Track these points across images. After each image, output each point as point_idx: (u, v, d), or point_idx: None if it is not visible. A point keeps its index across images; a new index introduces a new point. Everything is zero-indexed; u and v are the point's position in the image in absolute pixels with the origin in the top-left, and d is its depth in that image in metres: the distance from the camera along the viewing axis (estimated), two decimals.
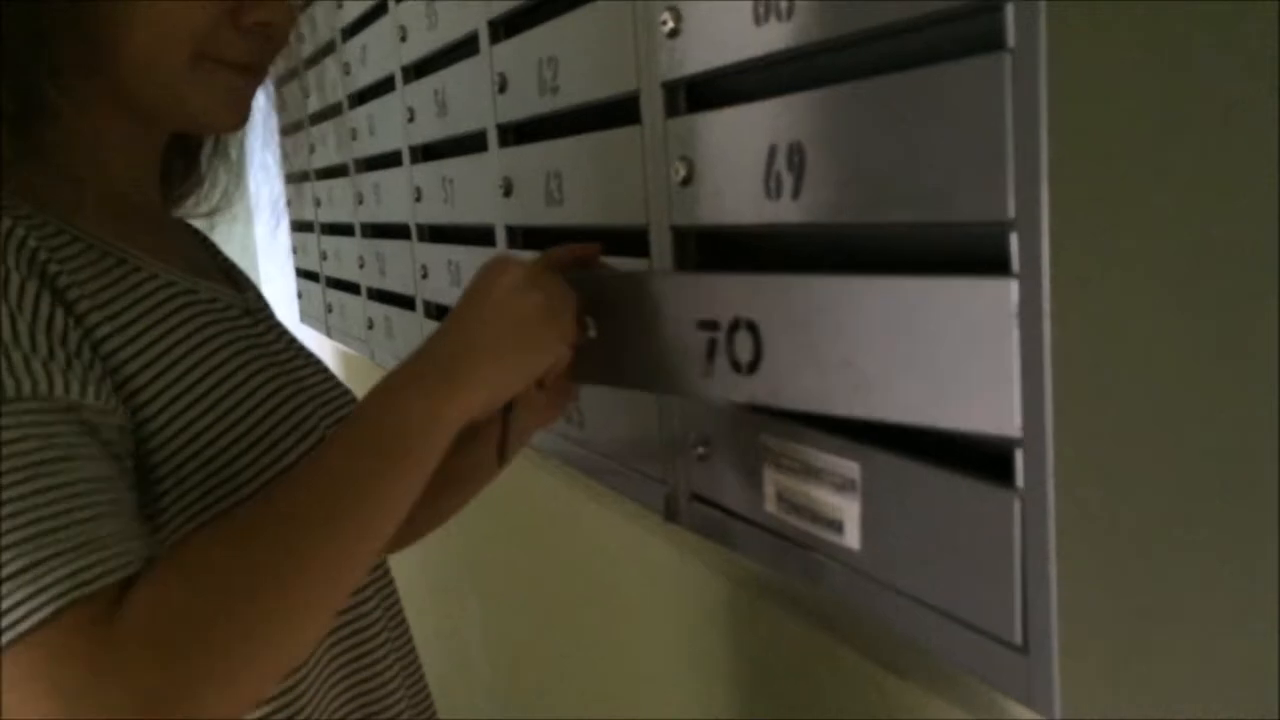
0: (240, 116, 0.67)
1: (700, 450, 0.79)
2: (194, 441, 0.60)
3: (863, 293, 0.59)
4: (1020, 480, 0.52)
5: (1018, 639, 0.53)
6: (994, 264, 0.52)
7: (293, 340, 0.76)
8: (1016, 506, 0.52)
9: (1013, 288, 0.51)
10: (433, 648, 1.73)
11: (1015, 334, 0.51)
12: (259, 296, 0.77)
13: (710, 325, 0.67)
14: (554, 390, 0.78)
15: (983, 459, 0.55)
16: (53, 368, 0.52)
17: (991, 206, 0.51)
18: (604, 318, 0.74)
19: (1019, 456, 0.52)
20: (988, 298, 0.52)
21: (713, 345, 0.67)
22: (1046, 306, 0.49)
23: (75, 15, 0.59)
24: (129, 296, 0.61)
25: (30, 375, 0.51)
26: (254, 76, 0.66)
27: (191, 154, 0.80)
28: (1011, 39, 0.49)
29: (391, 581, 0.79)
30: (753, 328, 0.65)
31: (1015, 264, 0.51)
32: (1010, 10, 0.49)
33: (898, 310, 0.57)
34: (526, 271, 0.67)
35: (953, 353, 0.54)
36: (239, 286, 0.75)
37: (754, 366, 0.65)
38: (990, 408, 0.52)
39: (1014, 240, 0.50)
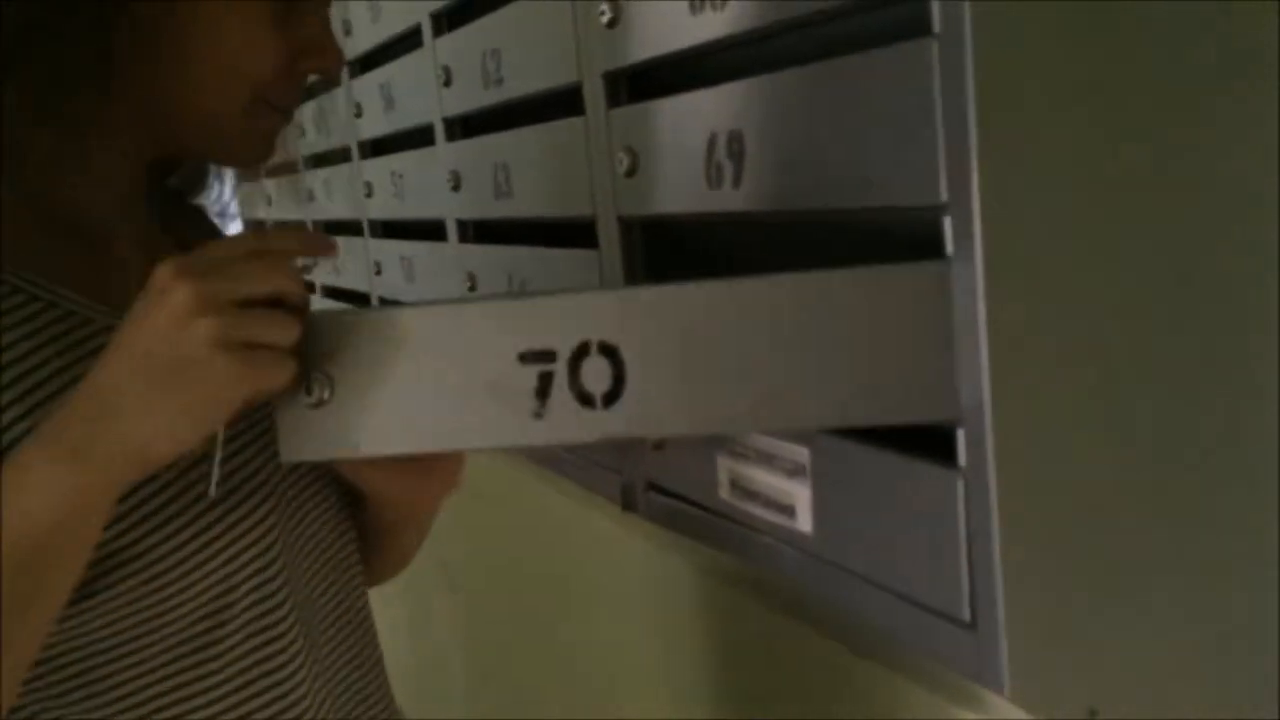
0: (268, 155, 0.67)
1: (654, 440, 0.79)
2: None
3: (774, 294, 0.54)
4: (962, 459, 0.53)
5: (966, 616, 0.54)
6: (931, 249, 0.52)
7: None
8: (960, 485, 0.53)
9: (947, 269, 0.51)
10: (403, 643, 1.73)
11: (950, 316, 0.51)
12: None
13: (541, 356, 0.57)
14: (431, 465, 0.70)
15: (928, 439, 0.56)
16: None
17: (925, 191, 0.52)
18: (373, 367, 0.58)
19: (960, 436, 0.53)
20: (921, 282, 0.52)
21: (546, 380, 0.57)
22: (980, 286, 0.50)
23: (142, 43, 0.58)
24: (36, 354, 0.58)
25: None
26: (289, 119, 0.67)
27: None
28: (937, 24, 0.50)
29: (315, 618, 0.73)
30: (610, 351, 0.56)
31: (949, 247, 0.51)
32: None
33: (817, 307, 0.54)
34: (195, 291, 0.51)
35: (884, 343, 0.53)
36: None
37: (613, 397, 0.56)
38: (931, 395, 0.53)
39: (948, 224, 0.51)
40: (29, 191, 0.60)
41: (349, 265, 1.59)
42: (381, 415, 0.58)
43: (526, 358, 0.56)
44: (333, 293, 1.71)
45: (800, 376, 0.54)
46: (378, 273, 1.44)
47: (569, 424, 0.57)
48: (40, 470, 0.52)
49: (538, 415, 0.57)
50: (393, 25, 1.22)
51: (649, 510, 0.84)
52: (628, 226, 0.80)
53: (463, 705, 1.67)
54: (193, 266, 0.52)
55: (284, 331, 0.54)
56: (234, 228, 2.44)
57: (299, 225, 1.86)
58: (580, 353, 0.56)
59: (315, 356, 0.57)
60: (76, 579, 0.55)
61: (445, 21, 1.09)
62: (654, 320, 0.55)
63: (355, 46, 1.37)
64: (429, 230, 1.24)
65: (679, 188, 0.72)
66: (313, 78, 0.66)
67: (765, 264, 0.70)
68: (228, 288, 0.52)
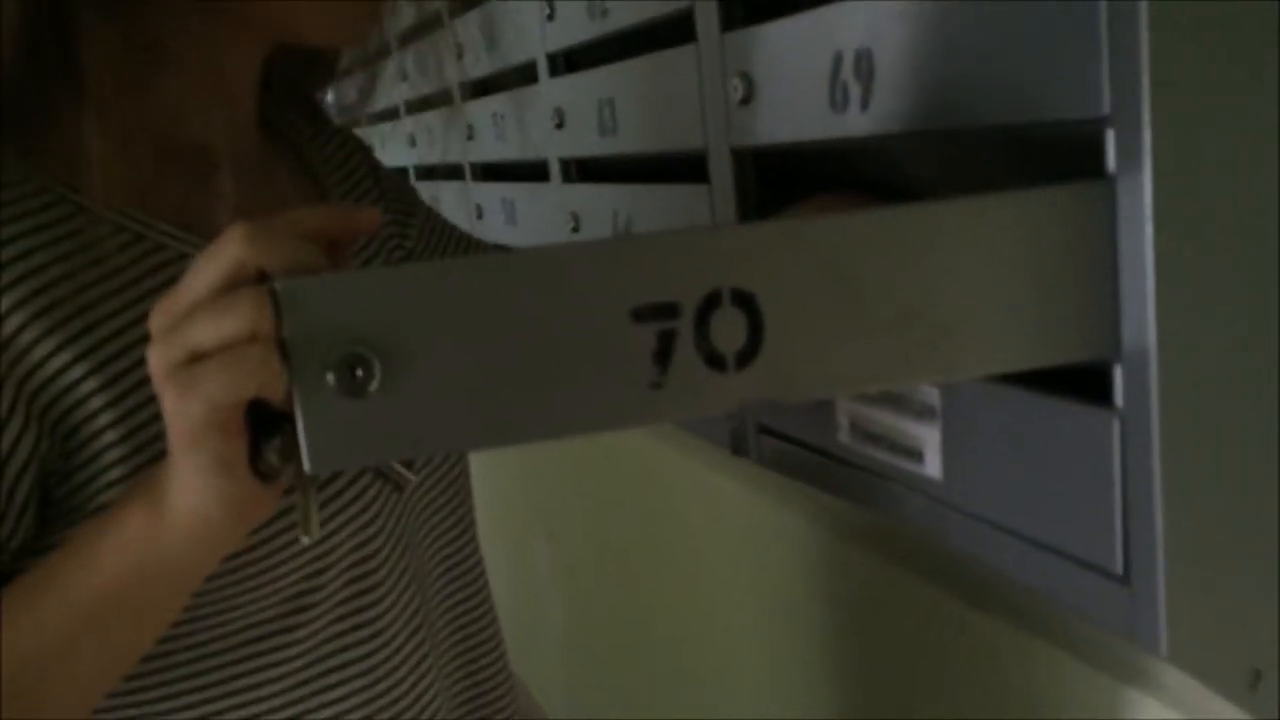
0: (364, 23, 0.60)
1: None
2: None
3: (927, 223, 0.47)
4: (1120, 399, 0.48)
5: (1118, 569, 0.50)
6: (1087, 168, 0.48)
7: None
8: (1115, 428, 0.49)
9: (1110, 190, 0.47)
10: (500, 589, 1.74)
11: (1116, 242, 0.47)
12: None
13: (660, 312, 0.45)
14: None
15: (1073, 376, 0.51)
16: None
17: (1084, 103, 0.47)
18: (433, 338, 0.44)
19: (1118, 374, 0.48)
20: (1081, 205, 0.48)
21: (667, 340, 0.46)
22: (1148, 210, 0.45)
23: None
24: (120, 295, 0.54)
25: None
26: None
27: (320, 59, 0.74)
28: None
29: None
30: (745, 300, 0.46)
31: (1111, 164, 0.47)
32: None
33: (975, 237, 0.48)
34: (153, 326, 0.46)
35: (1044, 275, 0.48)
36: None
37: (748, 356, 0.46)
38: (1091, 331, 0.48)
39: (1110, 138, 0.46)
40: (124, 119, 0.57)
41: (450, 210, 1.58)
42: (447, 401, 0.45)
43: (642, 314, 0.45)
44: None
45: (959, 318, 0.47)
46: (479, 216, 1.43)
47: (696, 393, 0.46)
48: (121, 513, 0.50)
49: (656, 385, 0.46)
50: None
51: (760, 455, 0.81)
52: (741, 158, 0.76)
53: (560, 654, 1.67)
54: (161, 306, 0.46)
55: (224, 323, 0.43)
56: None
57: (401, 171, 1.86)
58: (709, 304, 0.45)
59: (353, 330, 0.43)
60: (166, 620, 0.53)
61: None
62: (796, 259, 0.46)
63: None
64: (532, 171, 1.21)
65: (799, 113, 0.67)
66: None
67: (892, 194, 0.66)
68: (179, 324, 0.45)
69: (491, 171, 1.40)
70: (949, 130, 0.55)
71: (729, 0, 0.74)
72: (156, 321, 0.45)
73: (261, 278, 0.44)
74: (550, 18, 1.05)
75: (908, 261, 0.47)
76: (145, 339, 0.47)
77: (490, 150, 1.34)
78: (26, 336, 0.51)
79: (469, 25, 1.32)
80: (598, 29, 0.95)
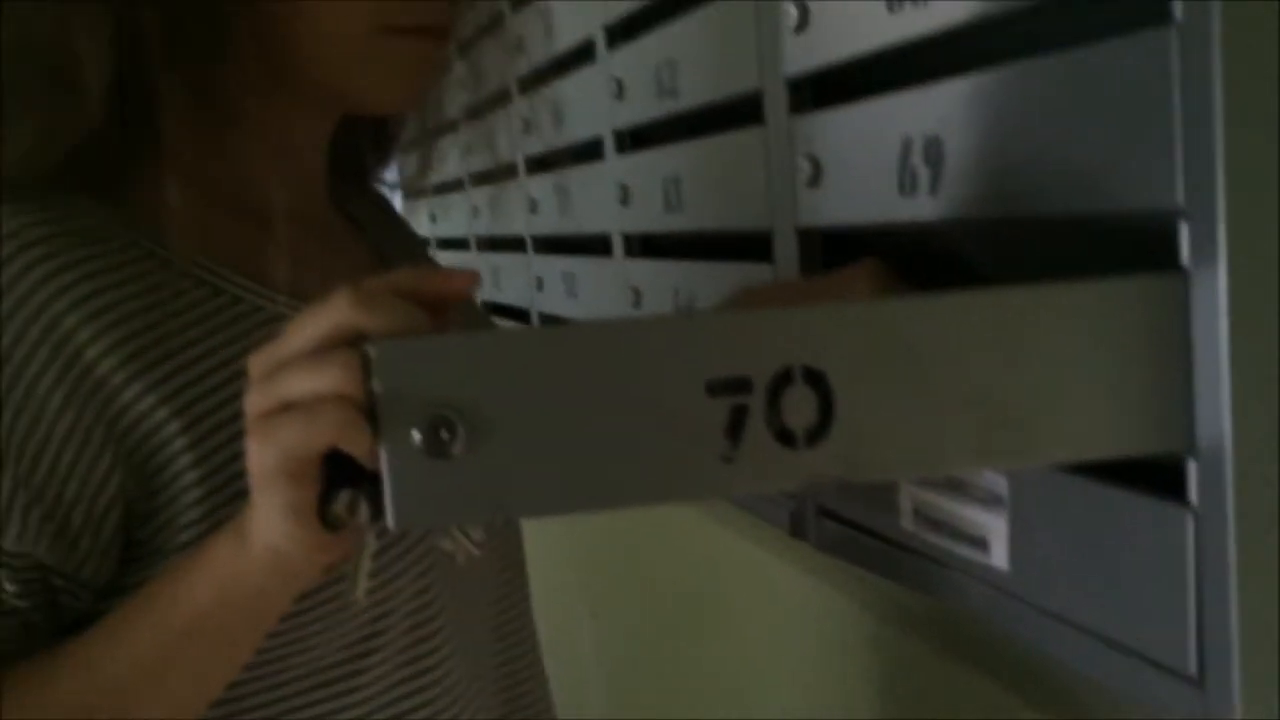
0: (413, 90, 0.63)
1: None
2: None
3: (1001, 307, 0.48)
4: (1194, 495, 0.47)
5: (1192, 670, 0.48)
6: (1159, 259, 0.47)
7: None
8: (1190, 524, 0.48)
9: (1185, 282, 0.46)
10: (544, 657, 1.72)
11: (1190, 335, 0.46)
12: None
13: (733, 386, 0.46)
14: None
15: (1144, 470, 0.51)
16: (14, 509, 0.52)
17: (1157, 194, 0.47)
18: (517, 403, 0.45)
19: (1192, 468, 0.47)
20: (1155, 297, 0.47)
21: (739, 415, 0.46)
22: (1223, 304, 0.45)
23: None
24: (187, 336, 0.56)
25: None
26: (436, 40, 0.61)
27: (383, 132, 0.77)
28: (1179, 12, 0.45)
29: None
30: (815, 377, 0.46)
31: (1186, 257, 0.46)
32: None
33: (1049, 324, 0.48)
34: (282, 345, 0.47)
35: (1117, 365, 0.48)
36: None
37: (818, 433, 0.46)
38: (1164, 424, 0.47)
39: (1185, 231, 0.46)
40: (201, 178, 0.59)
41: (510, 281, 1.60)
42: (527, 466, 0.45)
43: (716, 388, 0.46)
44: (493, 309, 1.73)
45: (1031, 404, 0.47)
46: (539, 288, 1.45)
47: (765, 468, 0.46)
48: (212, 545, 0.52)
49: (727, 459, 0.46)
50: (565, 39, 1.22)
51: (820, 538, 0.80)
52: (807, 238, 0.77)
53: None
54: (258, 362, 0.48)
55: (313, 380, 0.45)
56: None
57: (461, 242, 1.89)
58: (781, 381, 0.46)
59: (439, 393, 0.44)
60: (246, 652, 0.55)
61: (620, 33, 1.08)
62: (867, 339, 0.47)
63: (527, 63, 1.38)
64: (593, 245, 1.23)
65: (866, 196, 0.68)
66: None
67: (956, 278, 0.66)
68: (279, 384, 0.47)
69: (553, 244, 1.42)
70: (1018, 217, 0.56)
71: (798, 84, 0.75)
72: (255, 369, 0.48)
73: (359, 339, 0.46)
74: (619, 96, 1.07)
75: (980, 346, 0.47)
76: (225, 385, 0.51)
77: (552, 223, 1.36)
78: (117, 379, 0.54)
79: (536, 102, 1.35)
80: (666, 108, 0.97)
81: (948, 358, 0.47)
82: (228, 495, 0.56)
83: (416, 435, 0.44)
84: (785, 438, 0.46)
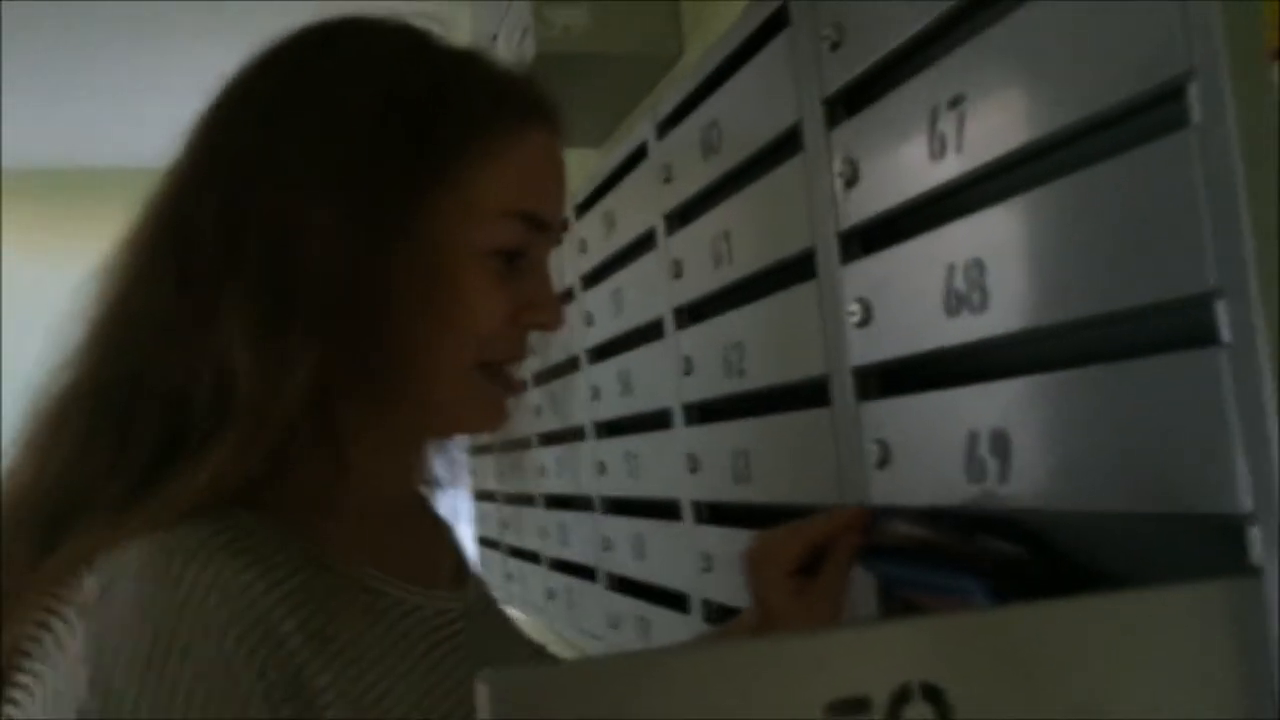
0: (501, 421, 0.68)
1: None
2: None
3: (1097, 614, 0.50)
4: None
5: None
6: (1225, 550, 0.50)
7: (508, 631, 0.77)
8: None
9: (1258, 583, 0.49)
10: None
11: (1265, 632, 0.48)
12: (479, 585, 0.77)
13: (854, 707, 0.46)
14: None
15: None
16: None
17: (1226, 499, 0.50)
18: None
19: None
20: (1230, 598, 0.49)
21: None
22: None
23: (376, 330, 0.60)
24: (354, 627, 0.59)
25: None
26: (516, 389, 0.68)
27: None
28: (1227, 334, 0.49)
29: None
30: (934, 694, 0.47)
31: (1257, 557, 0.49)
32: (1222, 306, 0.50)
33: (1139, 630, 0.49)
34: None
35: (1202, 665, 0.49)
36: (462, 579, 0.74)
37: None
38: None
39: (1255, 536, 0.49)
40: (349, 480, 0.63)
41: (577, 539, 1.63)
42: None
43: (836, 709, 0.46)
44: (559, 565, 1.75)
45: (1124, 711, 0.49)
46: (606, 549, 1.47)
47: None
48: None
49: None
50: (635, 318, 1.30)
51: None
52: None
53: None
54: None
55: None
56: (463, 494, 2.55)
57: (527, 499, 1.93)
58: (900, 698, 0.46)
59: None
60: None
61: (688, 315, 1.16)
62: (981, 652, 0.47)
63: (595, 336, 1.46)
64: (661, 509, 1.26)
65: (937, 481, 0.71)
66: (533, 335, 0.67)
67: (1024, 563, 0.68)
68: None
69: (619, 506, 1.45)
70: (1087, 513, 0.58)
71: (866, 374, 0.80)
72: None
73: None
74: (688, 373, 1.13)
75: (1081, 652, 0.48)
76: (375, 662, 0.57)
77: (621, 486, 1.41)
78: (294, 641, 0.55)
79: (605, 371, 1.42)
80: (734, 386, 1.03)
81: (1051, 667, 0.48)
82: None
83: None
84: None
